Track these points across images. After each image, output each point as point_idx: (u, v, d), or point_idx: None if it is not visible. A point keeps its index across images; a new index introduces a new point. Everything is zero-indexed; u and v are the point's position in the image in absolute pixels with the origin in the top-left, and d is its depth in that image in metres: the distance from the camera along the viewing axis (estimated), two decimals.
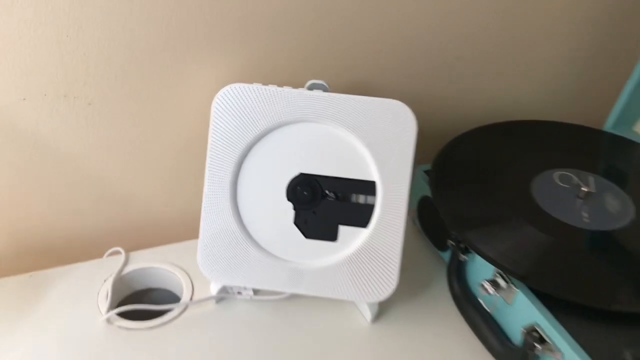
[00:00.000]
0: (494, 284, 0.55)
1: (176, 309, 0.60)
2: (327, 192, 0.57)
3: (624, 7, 0.77)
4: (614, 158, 0.70)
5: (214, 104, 0.56)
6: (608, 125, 0.77)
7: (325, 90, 0.58)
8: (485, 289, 0.55)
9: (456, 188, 0.63)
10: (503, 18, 0.71)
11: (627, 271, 0.54)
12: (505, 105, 0.79)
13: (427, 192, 0.67)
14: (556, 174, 0.65)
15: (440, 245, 0.66)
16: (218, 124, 0.56)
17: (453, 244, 0.60)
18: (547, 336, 0.50)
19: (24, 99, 0.57)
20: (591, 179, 0.65)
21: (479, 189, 0.63)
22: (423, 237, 0.69)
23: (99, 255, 0.65)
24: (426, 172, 0.68)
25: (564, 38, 0.77)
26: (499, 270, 0.55)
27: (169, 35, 0.58)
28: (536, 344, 0.51)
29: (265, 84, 0.57)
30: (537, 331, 0.51)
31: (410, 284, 0.64)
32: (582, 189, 0.62)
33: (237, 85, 0.56)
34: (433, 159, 0.67)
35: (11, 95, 0.56)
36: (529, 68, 0.77)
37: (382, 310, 0.61)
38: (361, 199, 0.58)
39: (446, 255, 0.65)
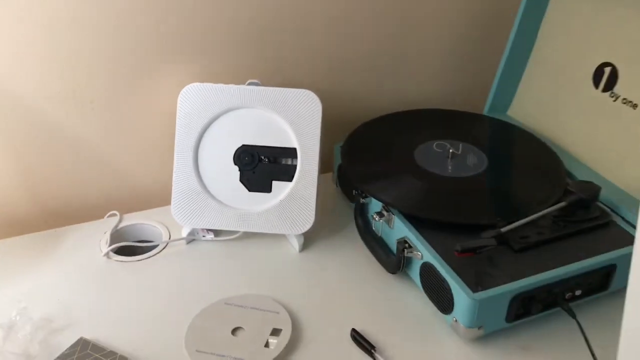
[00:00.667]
0: (380, 214, 0.78)
1: (159, 246, 0.82)
2: (262, 157, 0.81)
3: (489, 14, 1.02)
4: (482, 131, 0.94)
5: (179, 98, 0.80)
6: (485, 111, 1.01)
7: (258, 86, 0.82)
8: (374, 218, 0.78)
9: (360, 156, 0.87)
10: (395, 36, 0.97)
11: (467, 199, 0.78)
12: (405, 97, 1.04)
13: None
14: (435, 143, 0.89)
15: (351, 197, 0.89)
16: (182, 112, 0.80)
17: (356, 191, 0.83)
18: (412, 243, 0.73)
19: (45, 98, 0.81)
20: (460, 145, 0.89)
21: (377, 156, 0.86)
22: (341, 194, 0.92)
23: (101, 216, 0.88)
24: (341, 147, 0.91)
25: (446, 46, 1.02)
26: (383, 204, 0.78)
27: (142, 53, 0.83)
28: (405, 249, 0.73)
29: (215, 83, 0.80)
30: (406, 241, 0.74)
31: (329, 225, 0.87)
32: (450, 150, 0.86)
33: (195, 84, 0.80)
34: (345, 138, 0.90)
35: (37, 94, 0.80)
36: (421, 68, 1.02)
37: (308, 243, 0.84)
38: (288, 161, 0.81)
39: None
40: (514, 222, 0.72)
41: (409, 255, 0.73)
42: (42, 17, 0.76)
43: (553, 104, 0.94)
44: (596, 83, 0.87)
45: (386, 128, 0.93)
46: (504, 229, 0.71)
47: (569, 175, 0.85)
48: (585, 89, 0.88)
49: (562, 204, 0.75)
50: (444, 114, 0.98)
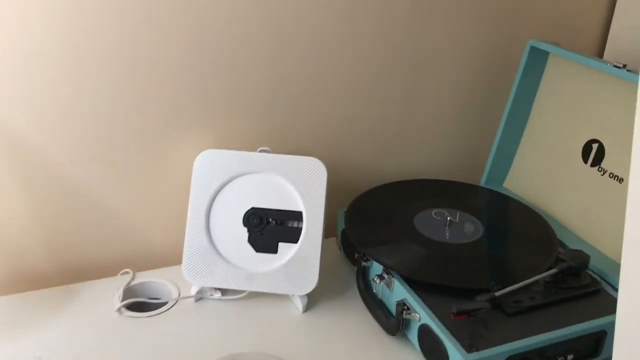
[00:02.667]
0: (380, 277, 0.82)
1: (168, 303, 0.86)
2: (270, 219, 0.86)
3: (486, 91, 1.09)
4: (479, 202, 0.99)
5: (195, 162, 0.86)
6: (482, 182, 1.07)
7: (269, 152, 0.88)
8: (375, 280, 0.82)
9: (363, 222, 0.92)
10: (401, 113, 1.04)
11: (464, 264, 0.82)
12: (406, 169, 1.09)
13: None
14: (434, 211, 0.94)
15: (353, 261, 0.93)
16: (197, 176, 0.86)
17: (358, 255, 0.87)
18: (410, 305, 0.77)
19: (71, 161, 0.87)
20: (458, 214, 0.93)
21: (379, 222, 0.91)
22: (344, 258, 0.97)
23: (114, 274, 0.92)
24: (345, 212, 0.96)
25: (446, 120, 1.09)
26: (383, 268, 0.82)
27: (162, 120, 0.89)
28: (404, 311, 0.77)
29: (229, 149, 0.87)
30: (405, 304, 0.78)
31: (332, 287, 0.91)
32: (448, 218, 0.91)
33: (210, 150, 0.86)
34: (349, 204, 0.95)
35: (64, 158, 0.86)
36: (422, 140, 1.09)
37: (311, 303, 0.87)
38: (294, 224, 0.86)
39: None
40: (507, 287, 0.76)
41: (408, 317, 0.77)
42: (73, 85, 0.83)
43: (546, 177, 0.99)
44: (585, 158, 0.92)
45: (388, 195, 0.99)
46: (498, 293, 0.75)
47: (561, 244, 0.90)
48: (575, 163, 0.94)
49: (554, 270, 0.79)
50: (442, 184, 1.04)
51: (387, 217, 0.92)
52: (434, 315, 0.74)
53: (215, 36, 0.88)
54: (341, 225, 0.96)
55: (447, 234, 0.88)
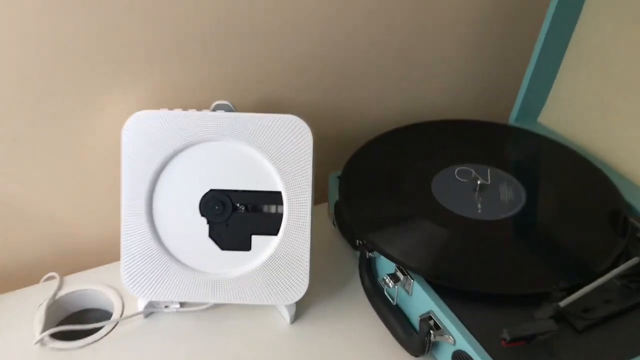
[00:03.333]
0: (394, 277, 0.60)
1: (107, 326, 0.63)
2: (237, 205, 0.62)
3: (513, 6, 0.82)
4: (513, 150, 0.75)
5: (122, 132, 0.60)
6: (512, 120, 0.82)
7: (229, 110, 0.62)
8: (386, 283, 0.60)
9: (363, 192, 0.68)
10: (401, 30, 0.76)
11: (508, 254, 0.59)
12: (414, 108, 0.84)
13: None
14: (457, 170, 0.70)
15: (354, 245, 0.70)
16: (128, 151, 0.60)
17: (361, 242, 0.64)
18: (440, 322, 0.55)
19: None
20: (488, 171, 0.70)
21: (384, 192, 0.68)
22: (341, 237, 0.74)
23: (36, 280, 0.69)
24: (339, 177, 0.72)
25: (461, 40, 0.82)
26: (396, 265, 0.60)
27: (77, 69, 0.62)
28: (431, 331, 0.55)
29: (171, 108, 0.61)
30: (431, 317, 0.56)
31: (328, 282, 0.69)
32: (478, 182, 0.67)
33: (143, 112, 0.60)
34: (343, 166, 0.71)
35: None
36: (431, 72, 0.82)
37: (302, 309, 0.65)
38: (271, 208, 0.62)
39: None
40: (573, 289, 0.54)
41: (438, 339, 0.55)
42: None
43: (599, 112, 0.75)
44: None
45: (393, 149, 0.74)
46: (563, 303, 0.53)
47: (630, 208, 0.67)
48: None
49: (635, 260, 0.57)
50: (463, 127, 0.79)
51: (395, 182, 0.69)
52: (474, 339, 0.52)
53: None
54: (334, 192, 0.72)
55: (479, 206, 0.65)
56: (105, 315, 0.68)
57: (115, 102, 0.65)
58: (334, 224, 0.75)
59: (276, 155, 0.60)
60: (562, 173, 0.71)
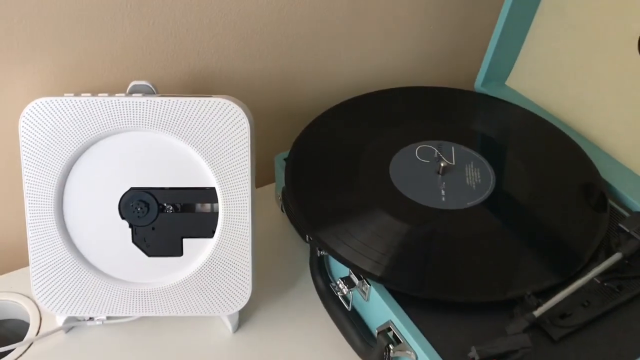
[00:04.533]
0: (348, 281, 0.52)
1: (18, 348, 0.55)
2: (164, 205, 0.53)
3: None
4: (480, 122, 0.67)
5: (20, 122, 0.50)
6: (478, 84, 0.74)
7: (149, 92, 0.53)
8: (340, 289, 0.52)
9: (311, 179, 0.60)
10: None
11: (474, 253, 0.52)
12: (369, 75, 0.75)
13: None
14: (417, 148, 0.62)
15: (303, 237, 0.63)
16: (29, 145, 0.50)
17: (310, 238, 0.57)
18: (401, 335, 0.48)
19: None
20: (453, 148, 0.62)
21: (336, 178, 0.59)
22: (289, 225, 0.66)
23: None
24: (285, 162, 0.63)
25: (423, 5, 0.72)
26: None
27: None
28: (390, 345, 0.49)
29: (78, 93, 0.50)
30: (390, 329, 0.49)
31: (276, 279, 0.61)
32: (442, 165, 0.59)
33: (43, 99, 0.50)
34: (290, 146, 0.62)
35: None
36: (386, 29, 0.73)
37: (246, 314, 0.58)
38: (205, 207, 0.53)
39: None
40: (550, 290, 0.48)
41: (398, 354, 0.49)
42: None
43: (575, 74, 0.67)
44: None
45: (346, 126, 0.66)
46: (538, 313, 0.47)
47: (608, 186, 0.61)
48: (626, 56, 0.62)
49: (618, 256, 0.51)
50: (423, 95, 0.71)
51: (348, 165, 0.60)
52: (439, 357, 0.46)
53: None
54: (280, 176, 0.64)
55: (443, 192, 0.57)
56: (22, 325, 0.60)
57: (12, 84, 0.54)
58: (282, 210, 0.67)
59: (207, 146, 0.51)
60: (534, 148, 0.64)
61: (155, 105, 0.50)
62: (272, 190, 0.70)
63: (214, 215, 0.53)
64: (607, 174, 0.61)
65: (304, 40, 0.68)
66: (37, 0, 0.52)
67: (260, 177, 0.66)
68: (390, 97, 0.70)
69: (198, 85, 0.63)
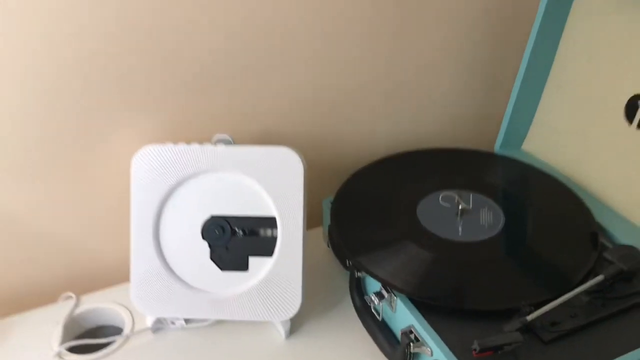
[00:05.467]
0: (379, 295, 0.65)
1: (117, 340, 0.69)
2: (235, 229, 0.68)
3: (495, 44, 0.88)
4: (494, 176, 0.80)
5: (132, 164, 0.67)
6: (497, 147, 0.88)
7: (228, 143, 0.69)
8: (372, 300, 0.65)
9: (353, 217, 0.74)
10: (389, 70, 0.83)
11: (484, 274, 0.64)
12: (402, 138, 0.90)
13: None
14: (441, 195, 0.76)
15: (345, 265, 0.76)
16: (137, 181, 0.67)
17: (349, 263, 0.70)
18: (419, 335, 0.60)
19: None
20: (471, 196, 0.75)
21: (373, 216, 0.73)
22: (334, 258, 0.79)
23: (55, 300, 0.75)
24: (332, 202, 0.78)
25: (448, 76, 0.88)
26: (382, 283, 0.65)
27: (85, 116, 0.69)
28: (411, 343, 0.60)
29: (176, 142, 0.67)
30: (412, 331, 0.61)
31: (321, 299, 0.74)
32: (460, 207, 0.73)
33: (150, 147, 0.67)
34: (336, 193, 0.77)
35: None
36: (418, 105, 0.88)
37: (296, 325, 0.71)
38: (267, 232, 0.68)
39: None
40: (541, 304, 0.59)
41: (417, 350, 0.60)
42: None
43: (578, 139, 0.80)
44: (629, 117, 0.73)
45: (382, 177, 0.80)
46: (530, 317, 0.58)
47: (602, 229, 0.72)
48: (616, 123, 0.74)
49: (600, 278, 0.62)
50: (448, 155, 0.85)
51: (384, 207, 0.74)
52: (449, 352, 0.57)
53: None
54: (327, 217, 0.78)
55: (460, 229, 0.70)
56: (117, 331, 0.74)
57: (125, 135, 0.72)
58: (328, 246, 0.80)
59: (271, 184, 0.66)
60: (539, 197, 0.76)
61: (234, 153, 0.66)
62: (320, 232, 0.84)
63: (274, 239, 0.67)
64: (601, 218, 0.72)
65: (350, 109, 0.84)
66: (159, 68, 0.70)
67: (311, 220, 0.80)
68: (420, 155, 0.84)
69: (264, 138, 0.79)
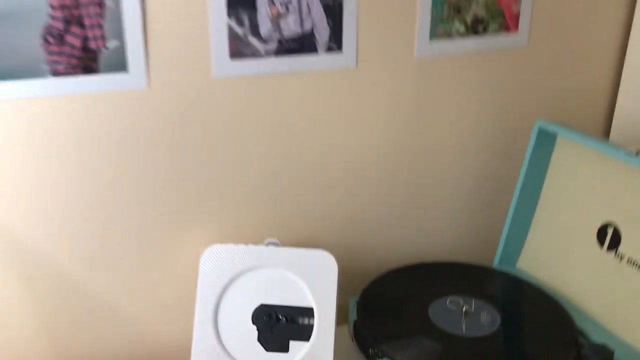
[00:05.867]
0: None
1: None
2: (280, 317, 0.83)
3: (494, 176, 1.08)
4: (493, 287, 0.96)
5: (201, 259, 0.83)
6: (495, 264, 1.04)
7: (277, 245, 0.86)
8: None
9: (376, 313, 0.89)
10: (411, 191, 1.02)
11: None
12: (416, 249, 1.07)
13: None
14: (448, 300, 0.91)
15: (367, 354, 0.89)
16: (204, 273, 0.83)
17: (372, 350, 0.84)
18: None
19: (70, 260, 0.85)
20: (473, 301, 0.91)
21: (392, 314, 0.88)
22: (357, 350, 0.93)
23: None
24: (357, 302, 0.93)
25: (453, 202, 1.07)
26: None
27: (164, 217, 0.88)
28: None
29: (236, 243, 0.84)
30: None
31: None
32: (464, 309, 0.88)
33: (216, 246, 0.84)
34: (361, 293, 0.93)
35: (64, 257, 0.84)
36: (433, 221, 1.07)
37: None
38: (305, 320, 0.83)
39: None
40: None
41: None
42: (72, 186, 0.82)
43: (561, 259, 0.97)
44: (601, 241, 0.90)
45: (401, 282, 0.96)
46: None
47: (582, 334, 0.87)
48: (590, 246, 0.91)
49: None
50: (456, 267, 1.01)
51: (401, 306, 0.89)
52: None
53: (215, 127, 0.87)
54: (352, 314, 0.93)
55: (464, 326, 0.85)
56: None
57: (195, 237, 0.90)
58: (352, 340, 0.95)
59: (310, 280, 0.82)
60: (530, 306, 0.92)
61: (281, 254, 0.83)
62: (345, 329, 0.99)
63: (311, 326, 0.82)
64: (580, 323, 0.87)
65: (373, 228, 1.02)
66: (225, 184, 0.89)
67: (339, 318, 0.94)
68: (432, 266, 1.01)
69: (306, 242, 0.96)
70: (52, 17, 0.71)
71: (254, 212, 0.93)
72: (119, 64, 0.77)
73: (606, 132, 1.15)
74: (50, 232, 0.83)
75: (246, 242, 0.85)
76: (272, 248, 0.84)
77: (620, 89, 1.11)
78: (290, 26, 0.85)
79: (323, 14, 0.86)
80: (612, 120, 1.13)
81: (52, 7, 0.71)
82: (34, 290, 0.85)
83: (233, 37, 0.82)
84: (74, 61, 0.74)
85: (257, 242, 0.85)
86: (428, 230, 1.08)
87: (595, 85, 1.11)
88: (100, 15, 0.73)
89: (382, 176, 1.00)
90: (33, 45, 0.72)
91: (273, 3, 0.83)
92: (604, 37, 1.09)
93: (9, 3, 0.69)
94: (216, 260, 0.83)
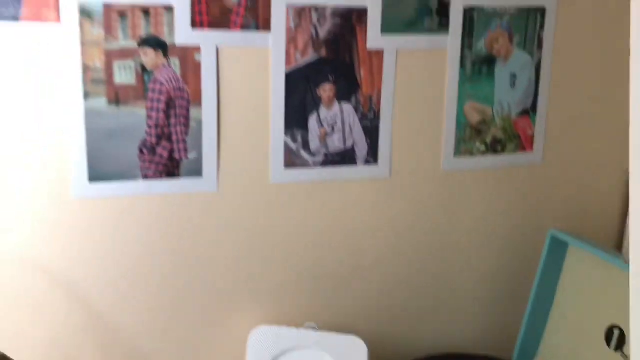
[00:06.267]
0: None
1: None
2: None
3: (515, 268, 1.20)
4: None
5: (250, 338, 0.97)
6: (515, 358, 1.13)
7: (315, 329, 0.99)
8: None
9: None
10: (431, 290, 1.15)
11: None
12: (439, 342, 1.18)
13: None
14: None
15: None
16: (252, 351, 0.96)
17: None
18: None
19: (143, 334, 1.00)
20: None
21: None
22: None
23: None
24: None
25: (475, 300, 1.19)
26: None
27: (219, 301, 1.03)
28: None
29: (279, 325, 0.98)
30: None
31: None
32: None
33: (263, 327, 0.98)
34: None
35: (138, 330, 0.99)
36: (455, 319, 1.18)
37: None
38: None
39: None
40: None
41: None
42: (150, 276, 0.98)
43: (574, 357, 1.06)
44: (608, 342, 0.99)
45: None
46: None
47: None
48: (599, 346, 1.01)
49: None
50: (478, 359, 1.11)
51: None
52: None
53: (269, 224, 1.03)
54: None
55: None
56: None
57: (241, 317, 1.04)
58: None
59: None
60: None
61: (319, 337, 0.96)
62: None
63: None
64: None
65: (397, 322, 1.14)
66: (269, 274, 1.04)
67: None
68: (454, 357, 1.11)
69: (339, 327, 1.08)
70: (148, 134, 0.91)
71: (295, 300, 1.07)
72: (196, 171, 0.95)
73: (619, 238, 1.26)
74: (130, 310, 0.99)
75: (289, 324, 0.99)
76: (310, 331, 0.97)
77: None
78: (335, 143, 1.03)
79: (362, 133, 1.04)
80: (624, 226, 1.24)
81: (149, 126, 0.91)
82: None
83: (288, 151, 1.00)
84: (161, 167, 0.93)
85: (297, 326, 0.99)
86: (453, 325, 1.19)
87: (606, 197, 1.23)
88: (185, 133, 0.93)
89: (411, 273, 1.13)
90: (131, 154, 0.91)
91: (322, 124, 1.01)
92: (613, 154, 1.22)
93: (120, 122, 0.89)
94: (264, 340, 0.97)
